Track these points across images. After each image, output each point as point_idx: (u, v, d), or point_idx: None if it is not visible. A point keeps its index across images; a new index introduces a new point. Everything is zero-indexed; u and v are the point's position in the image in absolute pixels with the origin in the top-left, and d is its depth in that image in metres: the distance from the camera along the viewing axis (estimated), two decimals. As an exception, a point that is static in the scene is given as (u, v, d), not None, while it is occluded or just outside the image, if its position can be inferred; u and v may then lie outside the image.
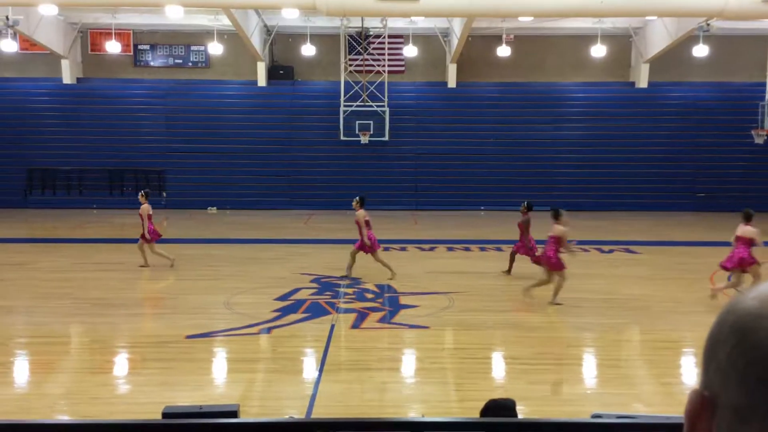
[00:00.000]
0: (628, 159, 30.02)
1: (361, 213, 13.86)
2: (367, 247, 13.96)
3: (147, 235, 15.05)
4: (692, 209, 28.67)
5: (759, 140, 27.44)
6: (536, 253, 14.18)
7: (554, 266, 11.73)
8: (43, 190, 30.47)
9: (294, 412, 7.04)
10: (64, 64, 31.60)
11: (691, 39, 26.33)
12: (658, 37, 28.35)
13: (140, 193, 15.64)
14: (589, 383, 8.59)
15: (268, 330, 10.16)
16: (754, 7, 18.32)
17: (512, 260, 14.60)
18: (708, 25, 23.59)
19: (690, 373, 8.71)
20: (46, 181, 30.50)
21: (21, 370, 8.84)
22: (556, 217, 11.89)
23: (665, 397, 7.69)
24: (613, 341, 10.21)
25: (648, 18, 27.89)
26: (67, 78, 31.91)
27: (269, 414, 6.82)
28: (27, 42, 28.90)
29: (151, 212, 15.22)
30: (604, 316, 11.40)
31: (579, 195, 28.63)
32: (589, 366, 9.21)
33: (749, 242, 11.70)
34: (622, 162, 29.98)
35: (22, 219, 26.15)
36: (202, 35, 31.12)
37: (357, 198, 14.14)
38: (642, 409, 7.24)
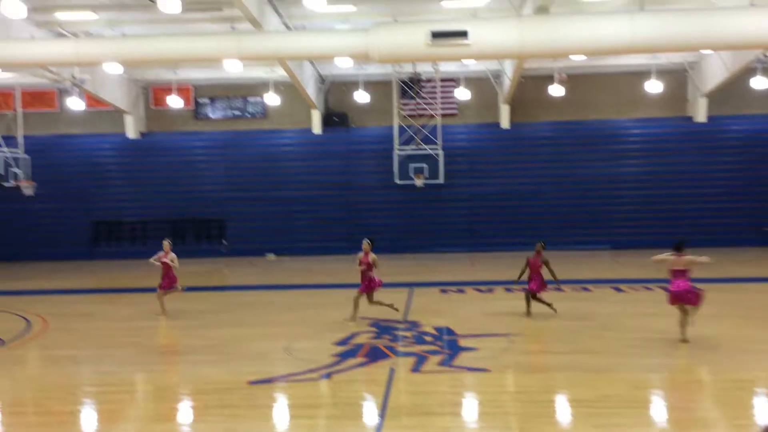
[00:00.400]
0: (689, 194, 29.38)
1: (373, 255, 14.10)
2: (364, 286, 14.19)
3: (165, 282, 15.28)
4: (756, 244, 27.74)
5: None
6: (545, 289, 14.12)
7: (698, 299, 11.52)
8: (108, 241, 31.34)
9: (356, 458, 7.00)
10: (128, 119, 32.78)
11: (749, 71, 25.87)
12: (715, 71, 27.91)
13: (166, 242, 15.79)
14: (659, 426, 8.31)
15: (328, 375, 10.17)
16: (814, 36, 17.93)
17: (542, 302, 14.33)
18: (766, 56, 23.18)
19: (765, 413, 8.36)
20: (112, 232, 31.40)
21: (89, 418, 9.02)
22: (681, 248, 11.66)
23: (740, 440, 7.39)
24: (682, 382, 9.88)
25: (704, 51, 27.50)
26: (131, 132, 33.06)
27: (331, 460, 6.78)
28: (92, 99, 30.11)
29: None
30: (671, 356, 11.07)
31: (639, 232, 28.07)
32: (659, 408, 8.92)
33: None
34: (682, 197, 29.35)
35: (89, 270, 26.92)
36: (258, 86, 31.96)
37: (369, 241, 14.25)
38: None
